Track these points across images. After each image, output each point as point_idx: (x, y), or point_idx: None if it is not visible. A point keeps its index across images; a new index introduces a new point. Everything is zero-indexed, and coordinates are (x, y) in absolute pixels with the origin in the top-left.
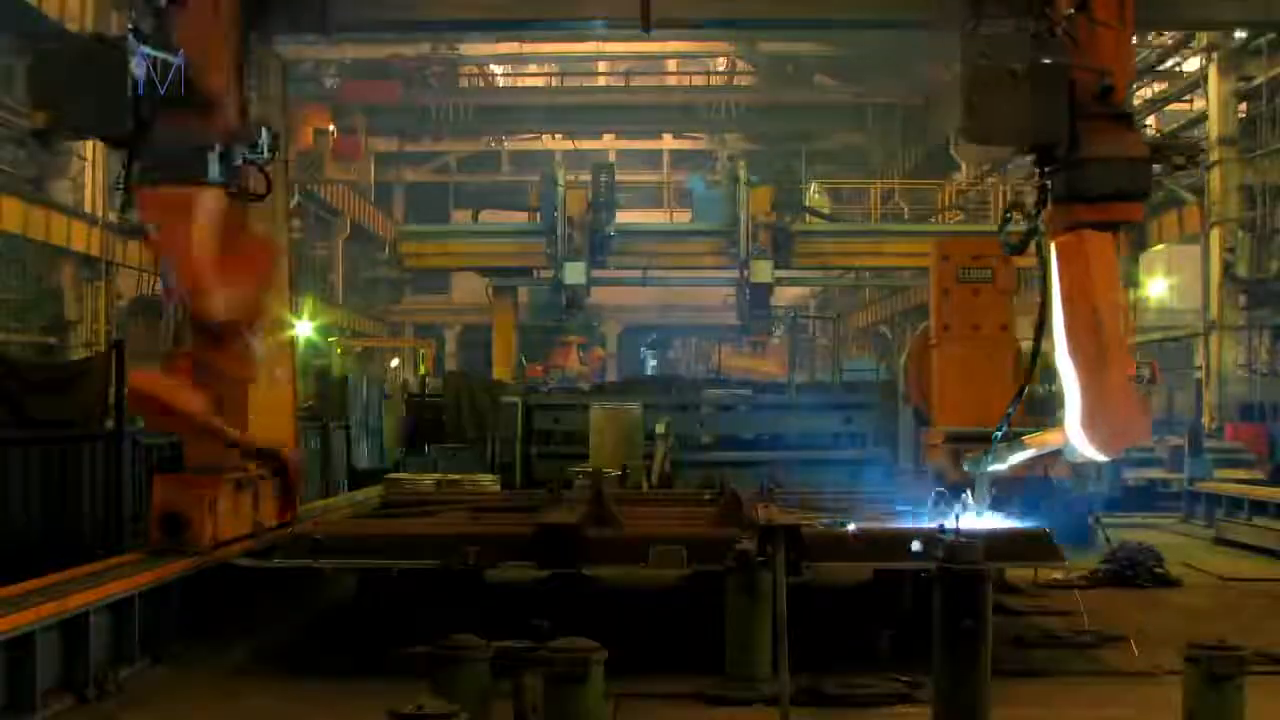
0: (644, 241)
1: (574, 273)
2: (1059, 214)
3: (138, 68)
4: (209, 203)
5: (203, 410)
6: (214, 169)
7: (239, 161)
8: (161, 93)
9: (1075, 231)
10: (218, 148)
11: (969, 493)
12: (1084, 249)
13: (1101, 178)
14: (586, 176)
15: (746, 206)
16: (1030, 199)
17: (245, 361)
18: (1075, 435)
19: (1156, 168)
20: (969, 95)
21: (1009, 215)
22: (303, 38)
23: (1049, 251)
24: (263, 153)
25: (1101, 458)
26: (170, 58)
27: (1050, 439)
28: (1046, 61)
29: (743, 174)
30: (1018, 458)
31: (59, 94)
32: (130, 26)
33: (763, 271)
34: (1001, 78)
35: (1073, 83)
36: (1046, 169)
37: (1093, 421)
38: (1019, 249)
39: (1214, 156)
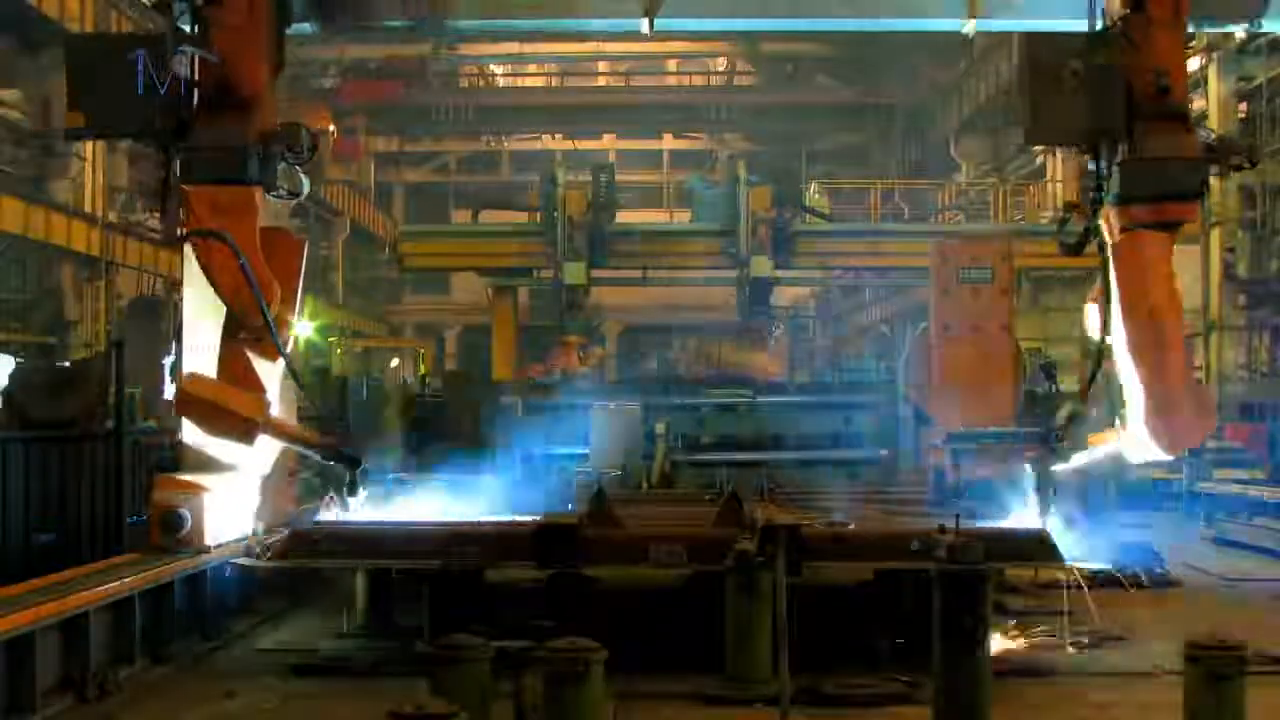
0: (644, 240)
1: (574, 273)
2: (1116, 214)
3: (177, 67)
4: (256, 203)
5: (264, 412)
6: (255, 169)
7: (279, 162)
8: (191, 93)
9: (1132, 233)
10: (259, 148)
11: (1034, 493)
12: (1140, 250)
13: (1157, 178)
14: (587, 176)
15: (747, 204)
16: (1088, 199)
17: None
18: (1140, 435)
19: (1213, 168)
20: (1031, 96)
21: (1067, 216)
22: (306, 37)
23: (1109, 252)
24: (303, 153)
25: (1166, 457)
26: (210, 56)
27: (1113, 439)
28: (1104, 62)
29: (742, 173)
30: (1082, 459)
31: (95, 95)
32: (170, 26)
33: (763, 266)
34: (1061, 78)
35: (1129, 82)
36: (1103, 169)
37: (1157, 422)
38: (1077, 249)
39: None
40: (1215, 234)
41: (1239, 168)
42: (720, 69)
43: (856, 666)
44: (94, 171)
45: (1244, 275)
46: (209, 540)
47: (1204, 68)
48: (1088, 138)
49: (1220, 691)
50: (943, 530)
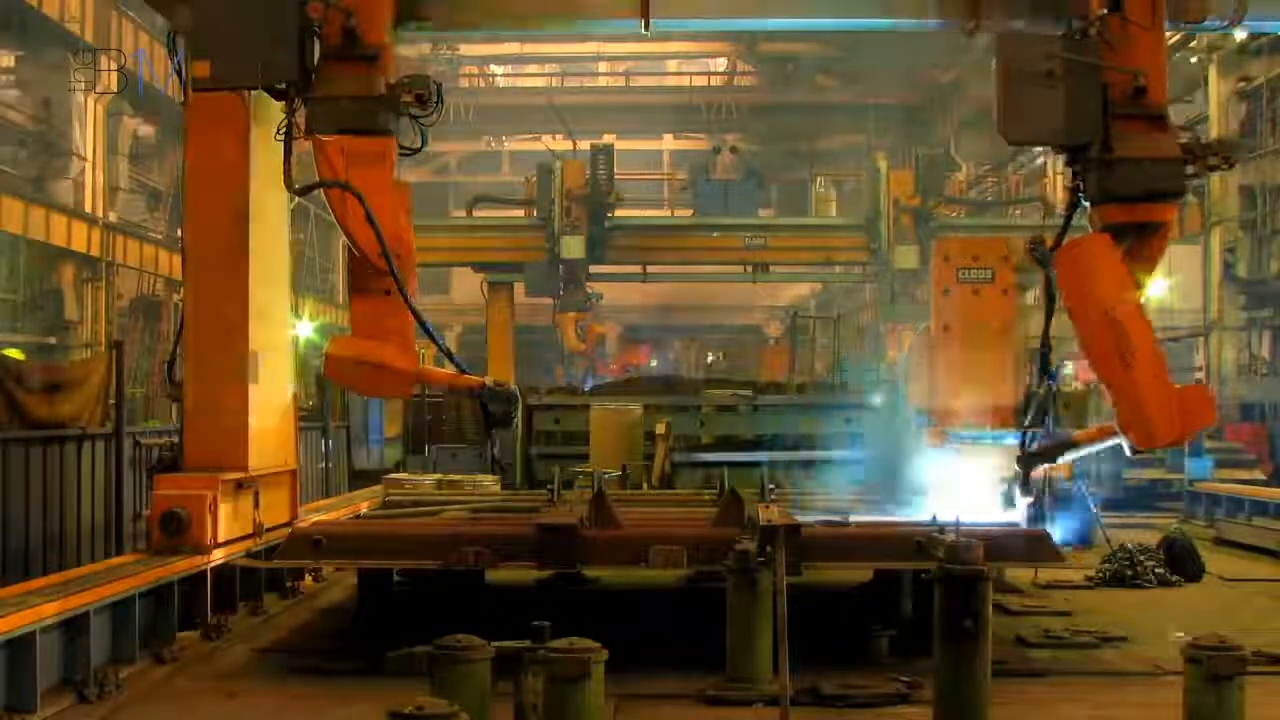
0: (653, 235)
1: (572, 247)
2: (1092, 216)
3: (303, 15)
4: (392, 153)
5: (416, 362)
6: (387, 120)
7: (405, 114)
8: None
9: (1076, 238)
10: (391, 98)
11: (1016, 490)
12: (1082, 254)
13: (1132, 178)
14: (585, 147)
15: (888, 192)
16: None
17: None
18: (1122, 434)
19: (1190, 169)
20: (1005, 95)
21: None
22: None
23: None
24: (430, 105)
25: (1140, 452)
26: (336, 5)
27: (1104, 435)
28: (1081, 61)
29: (883, 164)
30: (1070, 456)
31: (221, 44)
32: None
33: (908, 257)
34: (1037, 78)
35: (1106, 83)
36: (1078, 170)
37: (1127, 422)
38: (1047, 258)
39: None
40: (1215, 234)
41: (1216, 168)
42: (720, 69)
43: (856, 666)
44: (94, 171)
45: (1244, 275)
46: (209, 540)
47: (1204, 68)
48: (1064, 137)
49: (1220, 691)
50: (942, 530)
